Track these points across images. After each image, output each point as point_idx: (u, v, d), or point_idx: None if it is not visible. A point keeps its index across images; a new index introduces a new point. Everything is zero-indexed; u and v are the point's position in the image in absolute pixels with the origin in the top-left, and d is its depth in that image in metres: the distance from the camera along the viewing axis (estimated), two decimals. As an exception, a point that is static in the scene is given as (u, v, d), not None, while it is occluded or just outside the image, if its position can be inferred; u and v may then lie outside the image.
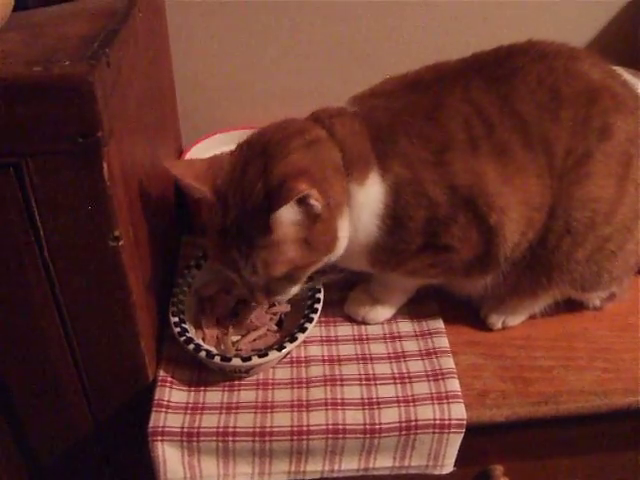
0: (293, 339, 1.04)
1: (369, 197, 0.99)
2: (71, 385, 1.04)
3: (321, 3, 1.38)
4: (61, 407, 1.07)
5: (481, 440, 1.06)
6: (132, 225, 0.96)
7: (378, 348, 1.11)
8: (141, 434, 1.00)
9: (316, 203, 0.93)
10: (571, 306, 1.17)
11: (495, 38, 1.08)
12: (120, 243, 0.90)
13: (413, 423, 1.00)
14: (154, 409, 1.01)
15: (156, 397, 1.03)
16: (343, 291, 1.20)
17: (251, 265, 0.98)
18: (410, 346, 1.11)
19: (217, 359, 1.01)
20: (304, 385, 1.06)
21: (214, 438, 0.99)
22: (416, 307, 1.18)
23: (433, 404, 1.02)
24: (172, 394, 1.04)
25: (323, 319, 1.14)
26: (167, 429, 0.99)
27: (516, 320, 1.16)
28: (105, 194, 0.86)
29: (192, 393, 1.05)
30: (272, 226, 0.93)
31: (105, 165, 0.84)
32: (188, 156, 1.37)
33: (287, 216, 0.93)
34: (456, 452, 1.04)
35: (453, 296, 1.18)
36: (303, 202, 0.93)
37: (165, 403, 1.02)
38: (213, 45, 1.41)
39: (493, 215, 0.99)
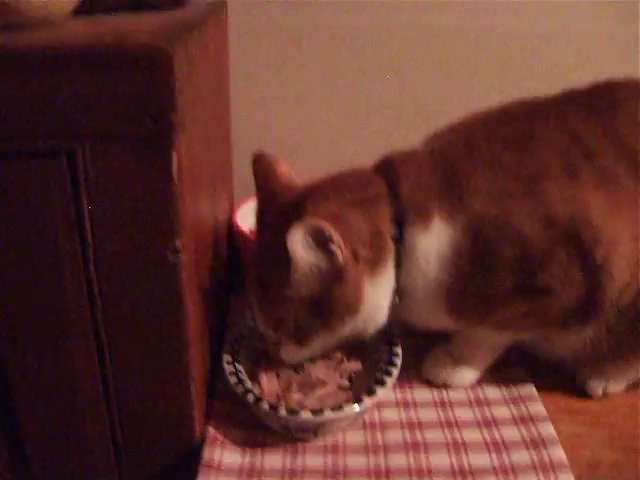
0: (371, 392, 0.88)
1: (434, 243, 0.88)
2: (99, 436, 0.87)
3: (379, 58, 1.33)
4: (83, 464, 0.90)
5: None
6: (194, 241, 0.83)
7: (464, 413, 0.95)
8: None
9: (337, 250, 0.82)
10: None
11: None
12: (181, 257, 0.77)
13: (516, 496, 0.83)
14: (202, 470, 0.84)
15: (205, 456, 0.86)
16: (418, 355, 1.05)
17: (258, 312, 0.93)
18: (501, 412, 0.96)
19: (282, 412, 0.85)
20: (381, 451, 0.89)
21: (277, 508, 0.82)
22: (502, 373, 1.02)
23: (537, 474, 0.85)
24: (224, 455, 0.87)
25: (397, 382, 0.97)
26: (219, 494, 0.82)
27: (619, 386, 1.00)
28: (171, 191, 0.73)
29: (247, 455, 0.88)
30: (288, 275, 0.85)
31: (175, 156, 0.72)
32: (240, 213, 1.27)
33: (305, 258, 0.83)
34: (564, 534, 0.86)
35: (542, 361, 1.04)
36: (324, 247, 0.82)
37: (215, 464, 0.85)
38: (270, 99, 1.35)
39: (600, 250, 0.86)
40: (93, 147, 0.71)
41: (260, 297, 0.92)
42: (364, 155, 0.97)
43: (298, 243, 0.81)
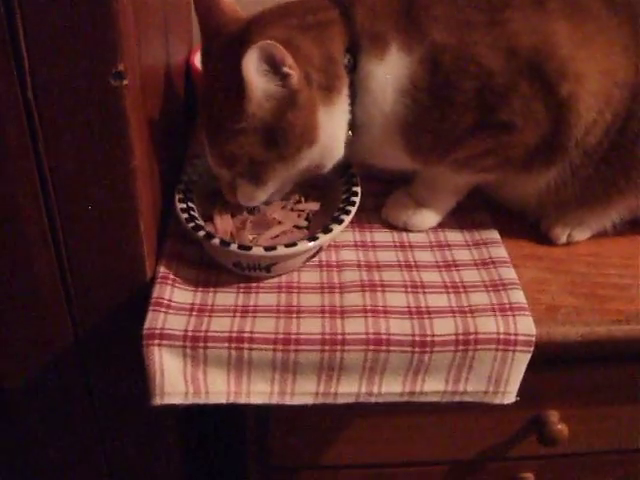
0: (327, 230, 0.85)
1: (391, 73, 0.84)
2: (48, 276, 0.84)
3: None
4: (33, 304, 0.87)
5: (536, 379, 0.87)
6: (140, 66, 0.77)
7: (424, 256, 0.93)
8: (132, 344, 0.80)
9: (290, 71, 0.77)
10: (643, 228, 1.00)
11: None
12: (124, 82, 0.71)
13: (472, 336, 0.81)
14: (151, 308, 0.81)
15: (154, 295, 0.83)
16: (379, 198, 1.01)
17: (210, 150, 0.88)
18: (462, 255, 0.93)
19: (233, 247, 0.82)
20: (337, 290, 0.86)
21: (226, 344, 0.80)
22: (465, 217, 0.99)
23: (495, 316, 0.83)
24: (174, 293, 0.84)
25: (356, 224, 0.96)
26: (167, 331, 0.79)
27: (584, 234, 0.98)
28: (110, 9, 0.67)
29: (199, 294, 0.85)
30: (240, 107, 0.80)
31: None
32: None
33: (259, 84, 0.78)
34: (520, 378, 0.85)
35: (506, 207, 1.01)
36: (277, 70, 0.77)
37: (165, 302, 0.82)
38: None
39: (565, 84, 0.82)
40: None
41: (211, 135, 0.87)
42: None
43: (252, 68, 0.76)
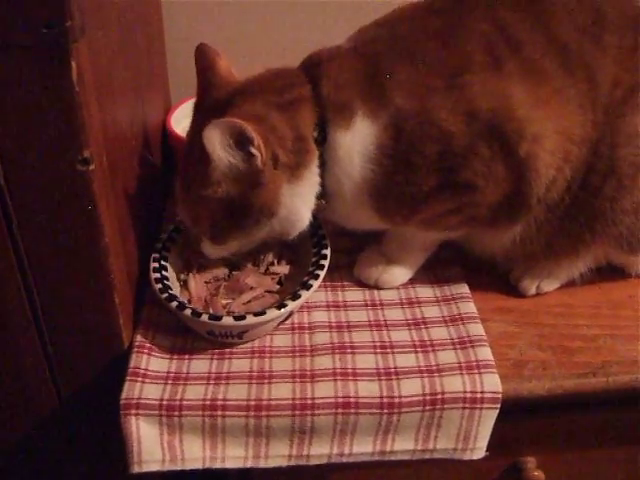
0: (296, 297, 0.88)
1: (357, 141, 0.86)
2: (30, 351, 0.87)
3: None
4: (18, 378, 0.90)
5: (511, 427, 0.91)
6: (107, 151, 0.80)
7: (394, 314, 0.95)
8: (113, 411, 0.83)
9: (256, 152, 0.81)
10: (612, 274, 1.02)
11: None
12: (90, 168, 0.74)
13: (439, 396, 0.84)
14: (128, 378, 0.84)
15: (131, 365, 0.86)
16: (352, 255, 1.03)
17: (179, 204, 0.93)
18: (431, 312, 0.95)
19: (205, 318, 0.85)
20: (308, 353, 0.89)
21: (200, 412, 0.83)
22: (436, 271, 1.02)
23: (462, 374, 0.86)
24: (150, 362, 0.87)
25: (329, 283, 0.99)
26: (143, 401, 0.82)
27: (552, 285, 1.00)
28: (73, 101, 0.71)
29: (174, 361, 0.88)
30: (206, 174, 0.85)
31: (74, 64, 0.69)
32: (177, 113, 1.23)
33: (223, 158, 0.82)
34: (489, 433, 0.87)
35: (476, 259, 1.02)
36: (244, 148, 0.81)
37: (142, 372, 0.85)
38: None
39: (523, 144, 0.84)
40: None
41: (182, 190, 0.91)
42: (304, 50, 0.95)
43: (215, 141, 0.80)
